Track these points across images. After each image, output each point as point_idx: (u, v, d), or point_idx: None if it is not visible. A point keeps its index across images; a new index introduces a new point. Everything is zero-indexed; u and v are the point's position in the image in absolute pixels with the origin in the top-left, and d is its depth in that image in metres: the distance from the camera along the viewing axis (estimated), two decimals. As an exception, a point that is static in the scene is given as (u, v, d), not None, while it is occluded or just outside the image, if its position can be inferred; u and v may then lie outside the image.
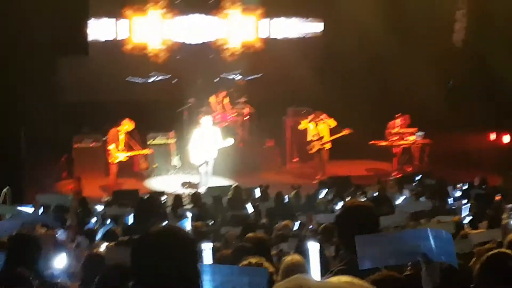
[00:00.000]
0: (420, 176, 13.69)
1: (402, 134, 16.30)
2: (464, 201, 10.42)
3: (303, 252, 4.42)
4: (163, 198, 12.12)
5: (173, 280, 2.41)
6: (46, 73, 15.67)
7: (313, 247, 3.33)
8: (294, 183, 13.51)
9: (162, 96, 16.81)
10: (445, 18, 16.79)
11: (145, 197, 11.40)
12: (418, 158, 16.48)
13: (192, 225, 7.42)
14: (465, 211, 9.10)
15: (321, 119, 15.73)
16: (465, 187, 12.24)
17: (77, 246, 6.84)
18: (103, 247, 6.18)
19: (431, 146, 16.29)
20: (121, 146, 14.95)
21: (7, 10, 14.13)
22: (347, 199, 10.31)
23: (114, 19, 17.56)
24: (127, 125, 14.96)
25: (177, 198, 11.28)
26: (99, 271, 4.60)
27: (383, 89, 17.06)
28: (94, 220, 9.62)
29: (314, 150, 15.95)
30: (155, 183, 15.69)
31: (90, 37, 17.21)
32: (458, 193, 11.83)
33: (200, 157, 14.83)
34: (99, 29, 17.44)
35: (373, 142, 16.31)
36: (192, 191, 13.35)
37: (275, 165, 17.12)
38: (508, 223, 7.21)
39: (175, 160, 16.34)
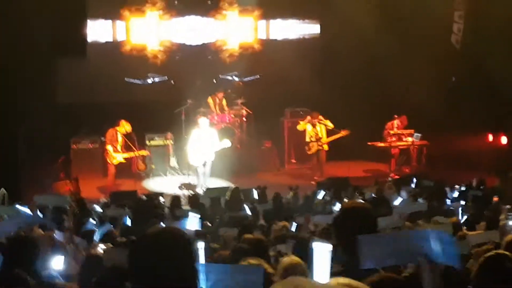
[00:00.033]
0: (418, 177, 13.68)
1: (400, 135, 16.32)
2: (462, 202, 10.43)
3: (303, 253, 4.41)
4: (161, 199, 12.10)
5: (171, 281, 2.41)
6: (45, 74, 15.69)
7: (324, 249, 3.13)
8: (292, 184, 13.52)
9: (160, 97, 16.81)
10: (443, 19, 16.78)
11: (143, 198, 11.43)
12: (416, 159, 16.48)
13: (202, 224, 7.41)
14: (462, 212, 9.10)
15: (319, 120, 15.73)
16: (463, 188, 12.24)
17: (75, 247, 6.83)
18: (101, 248, 6.17)
19: (429, 147, 16.29)
20: (119, 147, 14.94)
21: (7, 11, 14.12)
22: (345, 200, 10.31)
23: (112, 21, 17.57)
24: (124, 127, 14.94)
25: (175, 199, 11.26)
26: (97, 273, 4.60)
27: (381, 90, 17.04)
28: (92, 221, 9.59)
29: (312, 151, 15.96)
30: (153, 184, 15.69)
31: (89, 38, 17.26)
32: (455, 194, 11.83)
33: (198, 158, 14.84)
34: (97, 31, 17.46)
35: (371, 143, 16.34)
36: (190, 192, 13.34)
37: (273, 166, 17.12)
38: (506, 224, 7.19)
39: (173, 161, 16.36)
